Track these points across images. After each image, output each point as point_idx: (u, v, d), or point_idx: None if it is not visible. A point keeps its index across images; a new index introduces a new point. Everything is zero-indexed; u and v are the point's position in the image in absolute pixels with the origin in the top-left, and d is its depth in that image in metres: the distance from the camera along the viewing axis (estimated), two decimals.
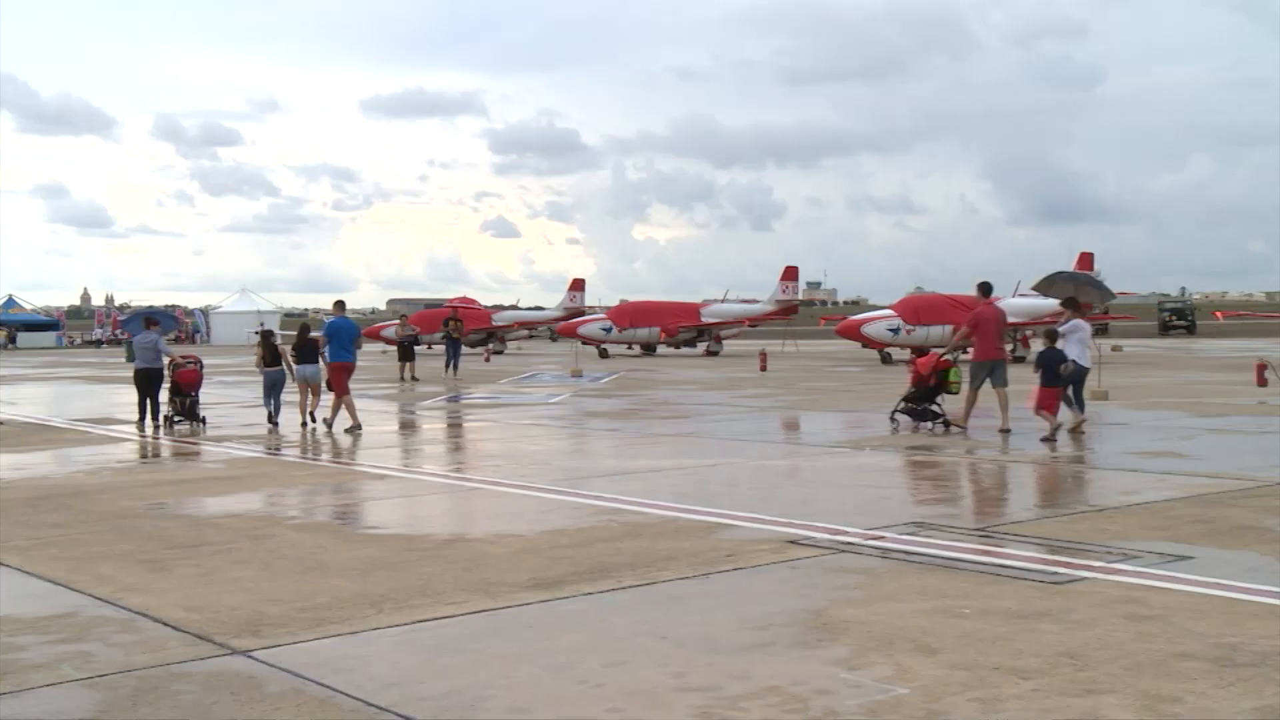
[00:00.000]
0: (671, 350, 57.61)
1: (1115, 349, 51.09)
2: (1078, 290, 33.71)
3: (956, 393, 19.70)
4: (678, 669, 6.50)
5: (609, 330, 57.28)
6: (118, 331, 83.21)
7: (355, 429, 20.29)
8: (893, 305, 47.59)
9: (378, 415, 24.46)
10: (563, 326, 62.77)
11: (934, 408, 19.75)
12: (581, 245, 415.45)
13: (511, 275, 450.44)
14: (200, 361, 23.04)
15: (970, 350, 19.93)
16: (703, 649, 6.91)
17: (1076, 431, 18.29)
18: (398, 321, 43.99)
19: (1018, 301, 50.56)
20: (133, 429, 22.18)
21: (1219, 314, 75.79)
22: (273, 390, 21.79)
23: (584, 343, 55.29)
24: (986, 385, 18.93)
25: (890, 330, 45.23)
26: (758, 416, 23.42)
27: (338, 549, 10.09)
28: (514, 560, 9.46)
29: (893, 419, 20.09)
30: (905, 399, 20.09)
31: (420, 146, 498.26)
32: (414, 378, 35.25)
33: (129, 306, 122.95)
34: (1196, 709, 5.79)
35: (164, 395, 22.39)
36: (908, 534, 10.33)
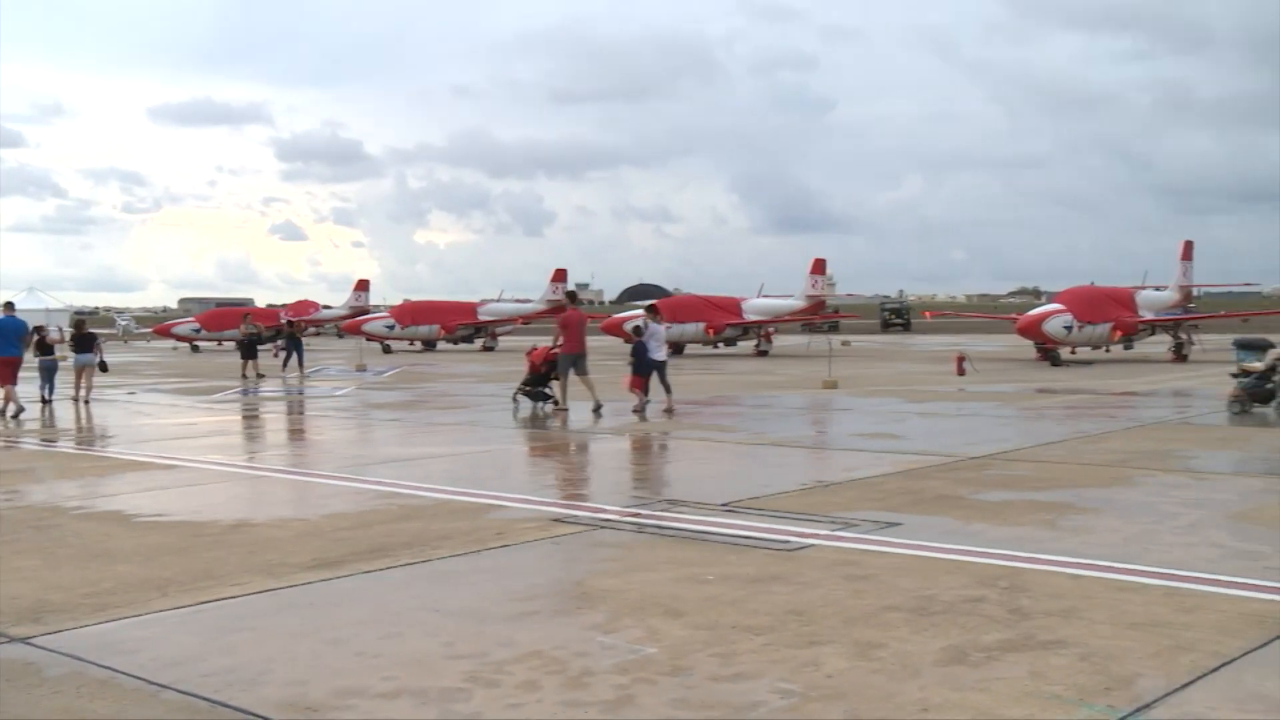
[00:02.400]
0: (450, 346, 57.02)
1: (844, 344, 52.84)
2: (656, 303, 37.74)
3: (557, 378, 21.56)
4: (448, 639, 6.43)
5: (392, 327, 56.32)
6: None
7: (17, 413, 21.08)
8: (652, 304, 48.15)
9: (167, 409, 23.49)
10: (348, 324, 61.34)
11: (546, 390, 21.85)
12: (366, 248, 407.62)
13: (300, 276, 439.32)
14: None
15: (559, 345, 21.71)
16: (472, 619, 6.86)
17: (670, 411, 20.35)
18: (241, 321, 41.39)
19: (761, 302, 51.92)
20: None
21: (928, 313, 79.25)
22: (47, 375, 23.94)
23: (368, 339, 54.24)
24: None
25: None
26: (530, 406, 23.39)
27: (124, 537, 9.60)
28: (297, 543, 9.20)
29: (515, 400, 22.10)
30: (523, 383, 22.19)
31: (209, 153, 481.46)
32: (259, 375, 32.82)
33: None
34: (897, 652, 6.05)
35: None
36: (662, 510, 10.47)
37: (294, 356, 35.33)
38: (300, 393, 28.54)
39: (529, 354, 22.90)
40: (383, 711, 5.30)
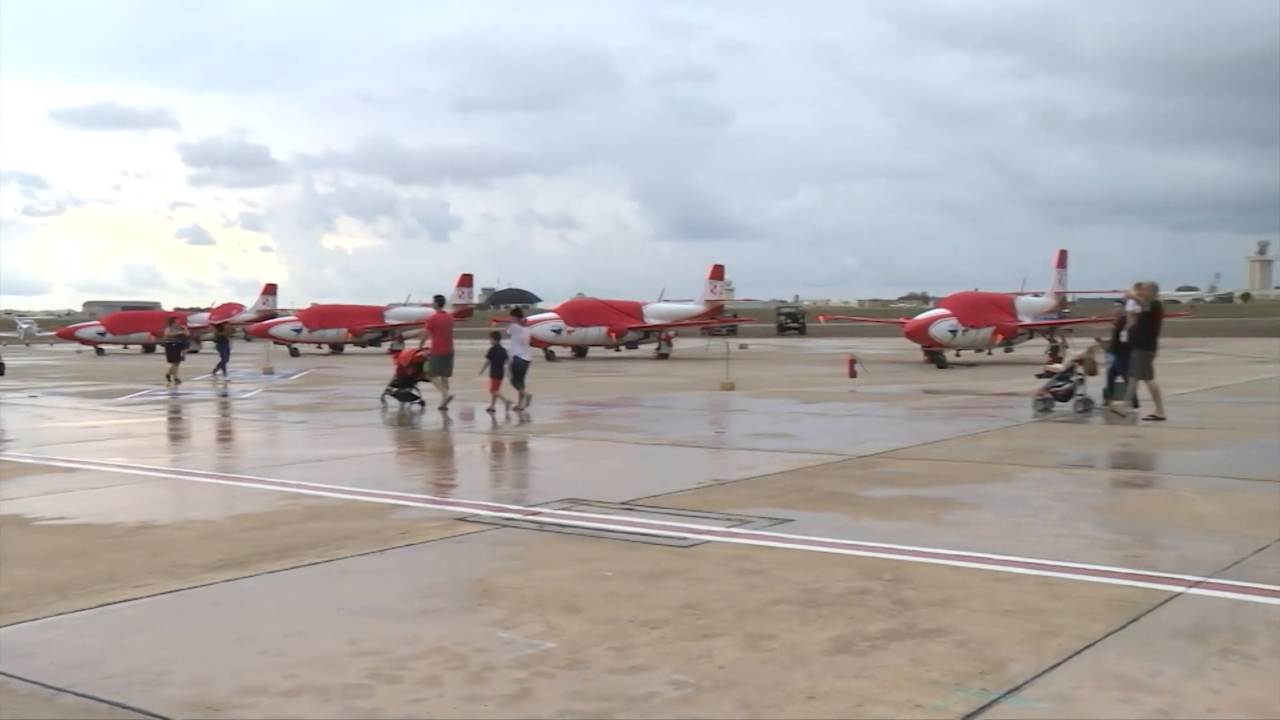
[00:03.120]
0: (358, 349, 56.35)
1: (741, 347, 53.31)
2: (521, 304, 38.46)
3: (428, 380, 21.89)
4: (352, 636, 6.37)
5: (299, 331, 55.57)
6: None
7: None
8: (556, 308, 48.13)
9: (70, 412, 22.87)
10: (255, 327, 60.30)
11: (413, 391, 22.12)
12: (274, 253, 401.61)
13: (207, 280, 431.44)
14: None
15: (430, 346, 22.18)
16: (375, 617, 6.80)
17: (520, 410, 20.76)
18: (165, 324, 39.91)
19: (662, 306, 52.18)
20: None
21: (821, 318, 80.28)
22: None
23: (275, 342, 53.41)
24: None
25: (554, 331, 45.77)
26: (433, 409, 23.20)
27: (22, 541, 9.31)
28: (201, 544, 9.02)
29: (383, 400, 22.26)
30: (391, 384, 22.28)
31: (113, 157, 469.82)
32: (176, 379, 31.01)
33: None
34: (787, 643, 6.14)
35: None
36: (563, 509, 10.47)
37: (223, 360, 34.53)
38: (223, 395, 27.98)
39: (396, 356, 23.47)
40: (284, 709, 5.24)
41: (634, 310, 49.57)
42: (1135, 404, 18.90)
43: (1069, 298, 52.81)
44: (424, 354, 22.07)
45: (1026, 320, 42.19)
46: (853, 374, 30.58)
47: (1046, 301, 47.32)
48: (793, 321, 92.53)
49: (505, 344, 21.44)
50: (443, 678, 5.64)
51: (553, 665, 5.82)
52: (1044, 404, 19.71)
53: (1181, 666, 5.69)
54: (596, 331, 46.80)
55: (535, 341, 45.70)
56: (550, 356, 45.24)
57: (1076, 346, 41.20)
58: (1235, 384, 27.31)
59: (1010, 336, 40.33)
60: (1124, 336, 19.08)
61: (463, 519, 10.01)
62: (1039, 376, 20.55)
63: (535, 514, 10.25)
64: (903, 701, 5.21)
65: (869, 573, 7.71)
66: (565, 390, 27.87)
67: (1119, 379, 19.30)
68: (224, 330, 38.25)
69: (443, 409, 20.82)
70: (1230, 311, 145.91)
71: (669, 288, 57.66)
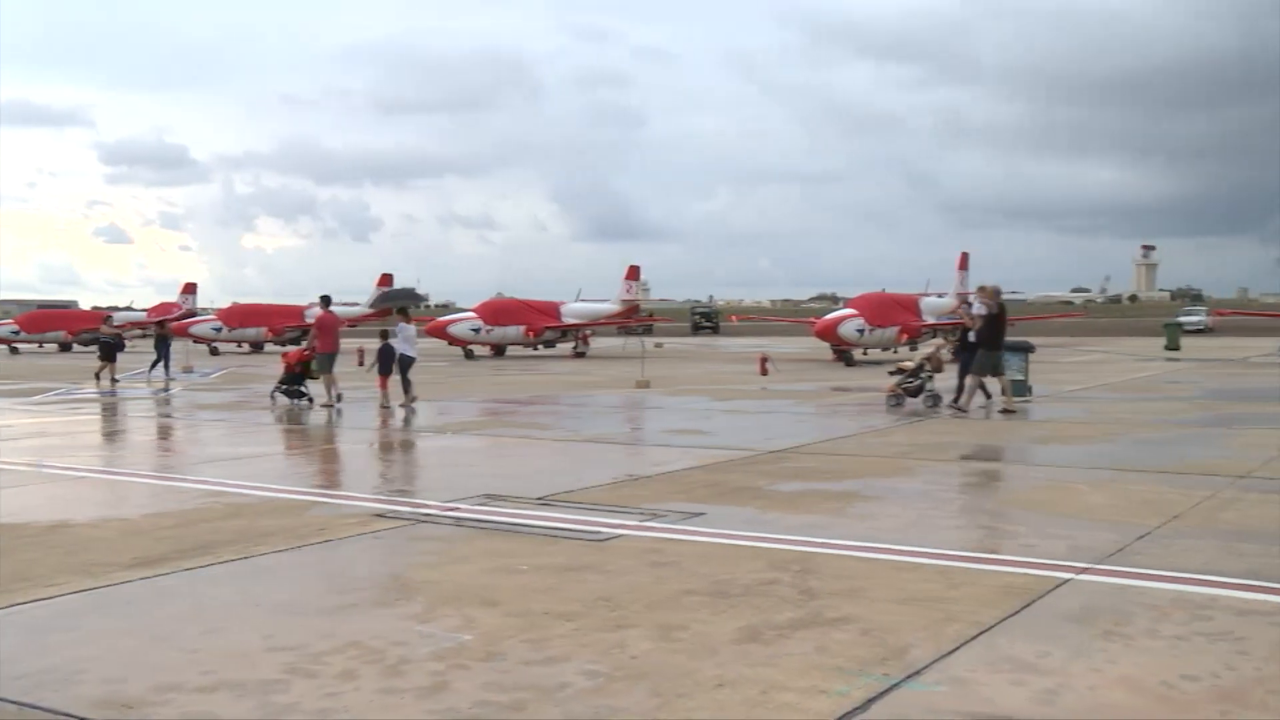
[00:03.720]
0: (278, 348, 55.46)
1: (657, 345, 53.41)
2: (405, 302, 38.19)
3: (316, 378, 22.09)
4: (269, 632, 6.29)
5: (219, 330, 54.61)
6: None
7: None
8: (475, 308, 47.85)
9: None
10: (175, 326, 59.08)
11: (301, 389, 22.25)
12: (194, 252, 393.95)
13: (126, 280, 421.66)
14: None
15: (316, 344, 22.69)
16: (292, 613, 6.72)
17: (406, 406, 21.00)
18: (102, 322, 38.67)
19: (579, 306, 52.18)
20: None
21: (734, 317, 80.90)
22: None
23: (195, 341, 52.40)
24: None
25: (473, 330, 45.52)
26: (356, 407, 22.96)
27: None
28: (118, 542, 8.83)
29: (272, 398, 22.57)
30: (281, 382, 22.59)
31: (28, 155, 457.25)
32: (114, 379, 30.17)
33: None
34: (697, 633, 6.18)
35: None
36: (480, 504, 10.43)
37: (163, 360, 33.59)
38: (163, 393, 27.34)
39: (284, 355, 24.28)
40: (200, 705, 5.16)
41: (552, 310, 49.51)
42: (988, 395, 19.55)
43: (971, 298, 53.80)
44: (311, 353, 22.57)
45: (930, 320, 42.87)
46: (764, 372, 30.83)
47: (949, 302, 48.06)
48: (707, 321, 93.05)
49: (393, 342, 21.91)
50: (359, 671, 5.59)
51: (469, 658, 5.80)
52: (896, 400, 20.09)
53: (1068, 648, 5.84)
54: (515, 331, 46.63)
55: (454, 341, 45.48)
56: (469, 355, 44.96)
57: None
58: (1122, 381, 28.02)
59: (915, 336, 40.93)
60: (972, 337, 19.61)
61: (381, 515, 9.92)
62: (891, 374, 20.97)
63: (453, 510, 10.19)
64: (807, 688, 5.28)
65: (777, 564, 7.79)
66: (484, 388, 27.74)
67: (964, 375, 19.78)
68: (164, 328, 37.27)
69: (330, 405, 21.25)
70: (1119, 312, 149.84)
71: (586, 288, 57.89)
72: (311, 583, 7.50)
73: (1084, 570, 7.52)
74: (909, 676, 5.42)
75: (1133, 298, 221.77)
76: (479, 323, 45.75)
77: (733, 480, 11.77)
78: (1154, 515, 9.44)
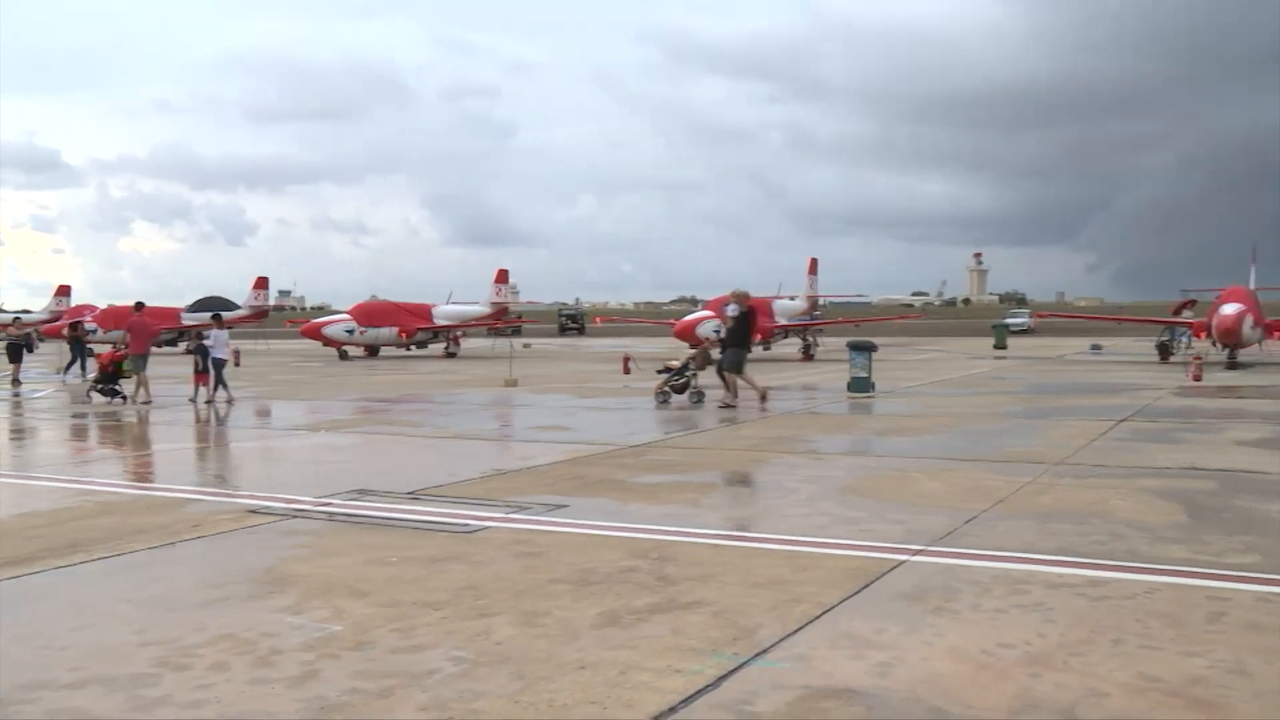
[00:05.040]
0: (154, 349, 53.55)
1: (525, 346, 53.21)
2: (220, 310, 38.64)
3: (129, 377, 23.02)
4: (140, 627, 6.09)
5: (94, 331, 52.42)
6: None
7: None
8: (349, 310, 46.96)
9: None
10: (48, 328, 56.56)
11: (116, 387, 22.93)
12: (67, 255, 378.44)
13: None
14: None
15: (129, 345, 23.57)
16: (164, 608, 6.52)
17: (212, 402, 22.06)
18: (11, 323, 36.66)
19: (450, 308, 51.62)
20: None
21: (599, 319, 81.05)
22: None
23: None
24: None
25: (347, 331, 44.67)
26: (232, 406, 22.34)
27: None
28: None
29: (89, 395, 23.08)
30: (97, 381, 23.32)
31: None
32: (16, 380, 28.65)
33: None
34: (560, 619, 6.20)
35: None
36: (352, 499, 10.26)
37: (80, 361, 31.99)
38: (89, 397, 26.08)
39: (98, 357, 25.24)
40: (69, 701, 4.97)
41: (424, 312, 48.86)
42: (733, 393, 20.17)
43: (820, 300, 54.91)
44: (124, 354, 23.43)
45: (782, 321, 43.62)
46: (627, 371, 30.99)
47: (800, 304, 49.08)
48: (573, 322, 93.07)
49: (207, 343, 23.14)
50: (230, 663, 5.47)
51: (339, 647, 5.72)
52: (663, 397, 20.53)
53: (902, 624, 6.03)
54: (388, 332, 45.91)
55: (329, 342, 44.58)
56: (344, 356, 44.09)
57: (824, 345, 43.03)
58: (956, 377, 28.94)
59: (768, 336, 41.58)
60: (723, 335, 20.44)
61: (254, 511, 9.69)
62: (659, 373, 21.47)
63: (325, 504, 10.00)
64: (663, 668, 5.35)
65: (636, 552, 7.86)
66: (358, 388, 27.25)
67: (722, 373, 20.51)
68: (79, 332, 35.51)
69: (147, 402, 22.25)
70: (954, 314, 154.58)
71: (457, 291, 57.25)
72: (184, 578, 7.28)
73: (918, 552, 7.77)
74: (757, 655, 5.53)
75: (966, 301, 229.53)
76: (353, 324, 44.91)
77: (595, 473, 11.81)
78: (981, 500, 9.79)
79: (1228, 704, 4.88)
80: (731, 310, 20.57)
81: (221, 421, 18.92)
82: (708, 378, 21.15)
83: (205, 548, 8.29)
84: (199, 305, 58.27)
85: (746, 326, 20.55)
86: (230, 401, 22.36)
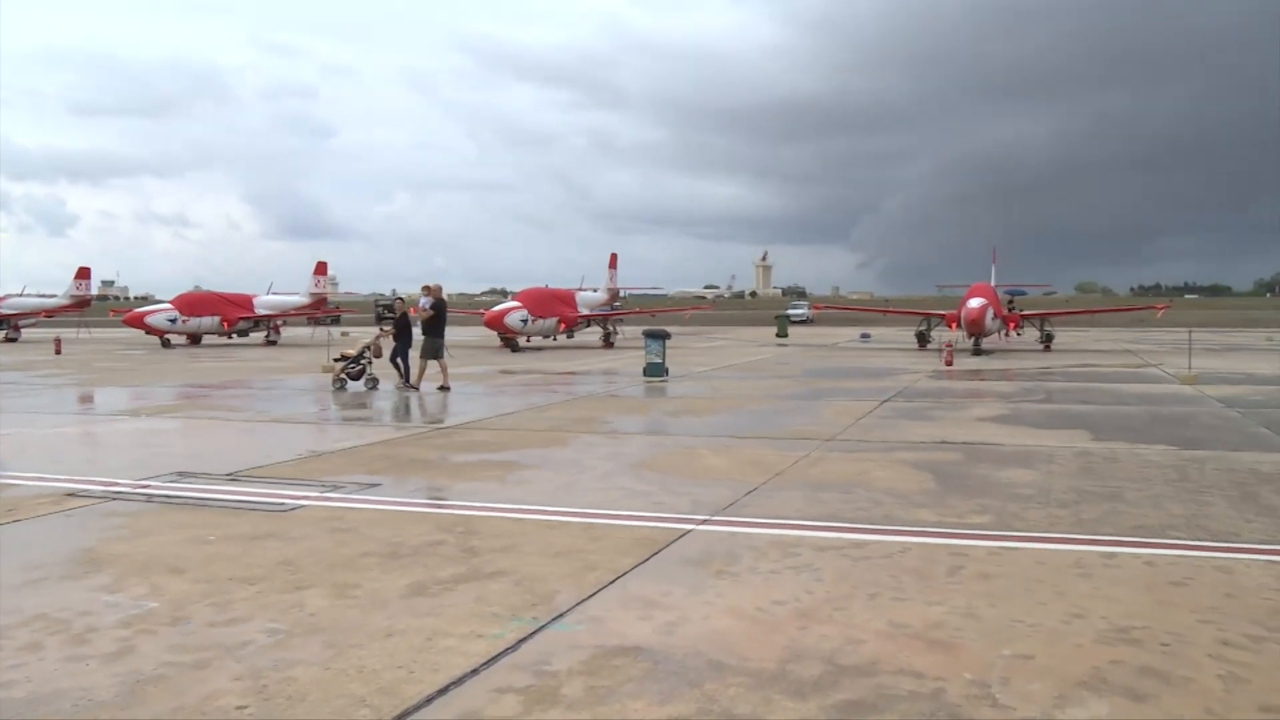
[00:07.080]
0: None
1: (344, 334, 51.68)
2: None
3: None
4: None
5: None
6: None
7: None
8: (172, 300, 44.68)
9: None
10: None
11: None
12: None
13: None
14: None
15: None
16: None
17: None
18: None
19: (271, 298, 49.92)
20: None
21: (414, 309, 79.62)
22: None
23: None
24: None
25: (170, 320, 42.59)
26: (53, 392, 20.96)
27: None
28: None
29: None
30: None
31: None
32: None
33: None
34: (370, 590, 6.17)
35: None
36: (171, 481, 9.84)
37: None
38: None
39: None
40: None
41: (246, 302, 47.03)
42: (415, 382, 20.82)
43: (620, 292, 55.45)
44: None
45: (585, 311, 43.90)
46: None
47: (601, 296, 49.47)
48: (389, 312, 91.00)
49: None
50: (44, 643, 5.21)
51: (155, 623, 5.52)
52: (340, 383, 20.78)
53: (687, 586, 6.25)
54: (210, 321, 43.97)
55: (152, 330, 42.29)
56: (166, 344, 41.90)
57: (623, 333, 43.50)
58: (740, 363, 29.77)
59: (572, 325, 41.77)
60: (420, 327, 21.25)
61: (73, 494, 9.18)
62: (335, 361, 21.72)
63: (144, 486, 9.57)
64: (467, 633, 5.39)
65: (444, 527, 7.85)
66: (180, 374, 25.99)
67: (398, 360, 21.42)
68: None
69: None
70: (742, 305, 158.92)
71: (277, 281, 55.23)
72: None
73: (704, 521, 8.03)
74: (554, 619, 5.64)
75: (753, 294, 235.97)
76: (176, 314, 42.79)
77: (407, 453, 11.68)
78: (760, 474, 10.17)
79: (960, 643, 5.28)
80: (424, 303, 21.33)
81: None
82: (381, 366, 21.57)
83: (21, 531, 7.82)
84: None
85: (439, 317, 21.31)
86: None
